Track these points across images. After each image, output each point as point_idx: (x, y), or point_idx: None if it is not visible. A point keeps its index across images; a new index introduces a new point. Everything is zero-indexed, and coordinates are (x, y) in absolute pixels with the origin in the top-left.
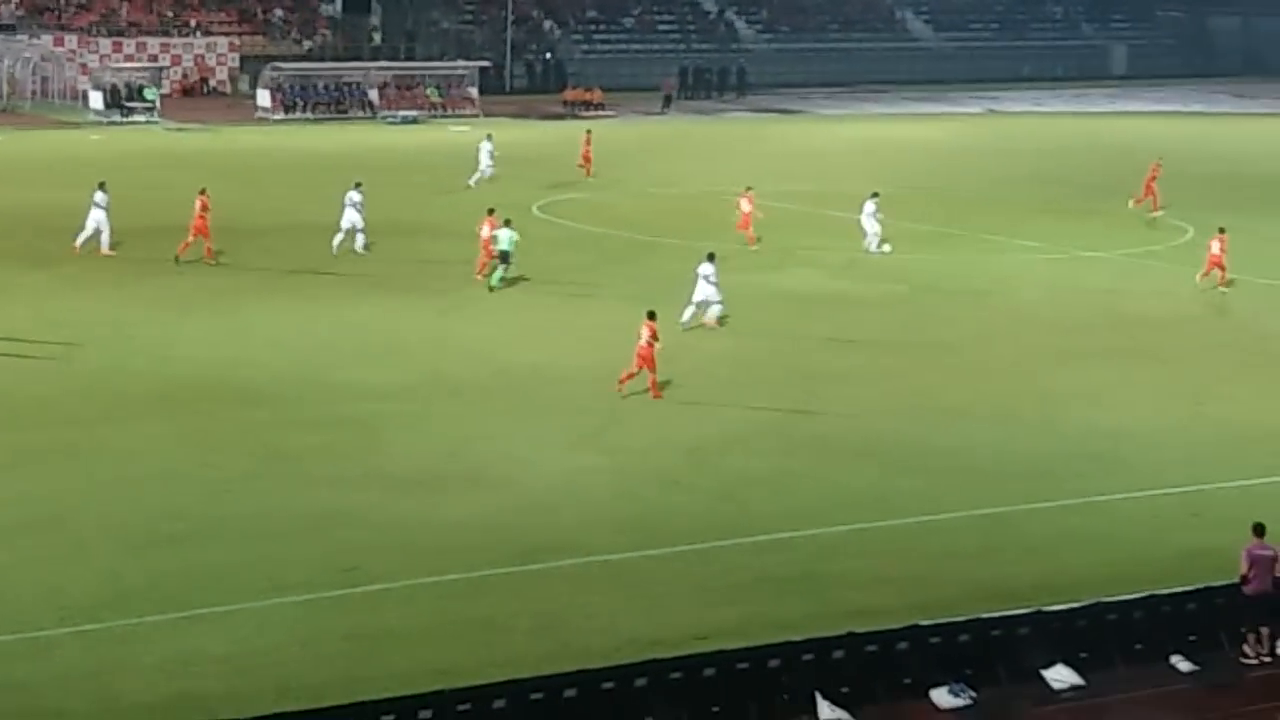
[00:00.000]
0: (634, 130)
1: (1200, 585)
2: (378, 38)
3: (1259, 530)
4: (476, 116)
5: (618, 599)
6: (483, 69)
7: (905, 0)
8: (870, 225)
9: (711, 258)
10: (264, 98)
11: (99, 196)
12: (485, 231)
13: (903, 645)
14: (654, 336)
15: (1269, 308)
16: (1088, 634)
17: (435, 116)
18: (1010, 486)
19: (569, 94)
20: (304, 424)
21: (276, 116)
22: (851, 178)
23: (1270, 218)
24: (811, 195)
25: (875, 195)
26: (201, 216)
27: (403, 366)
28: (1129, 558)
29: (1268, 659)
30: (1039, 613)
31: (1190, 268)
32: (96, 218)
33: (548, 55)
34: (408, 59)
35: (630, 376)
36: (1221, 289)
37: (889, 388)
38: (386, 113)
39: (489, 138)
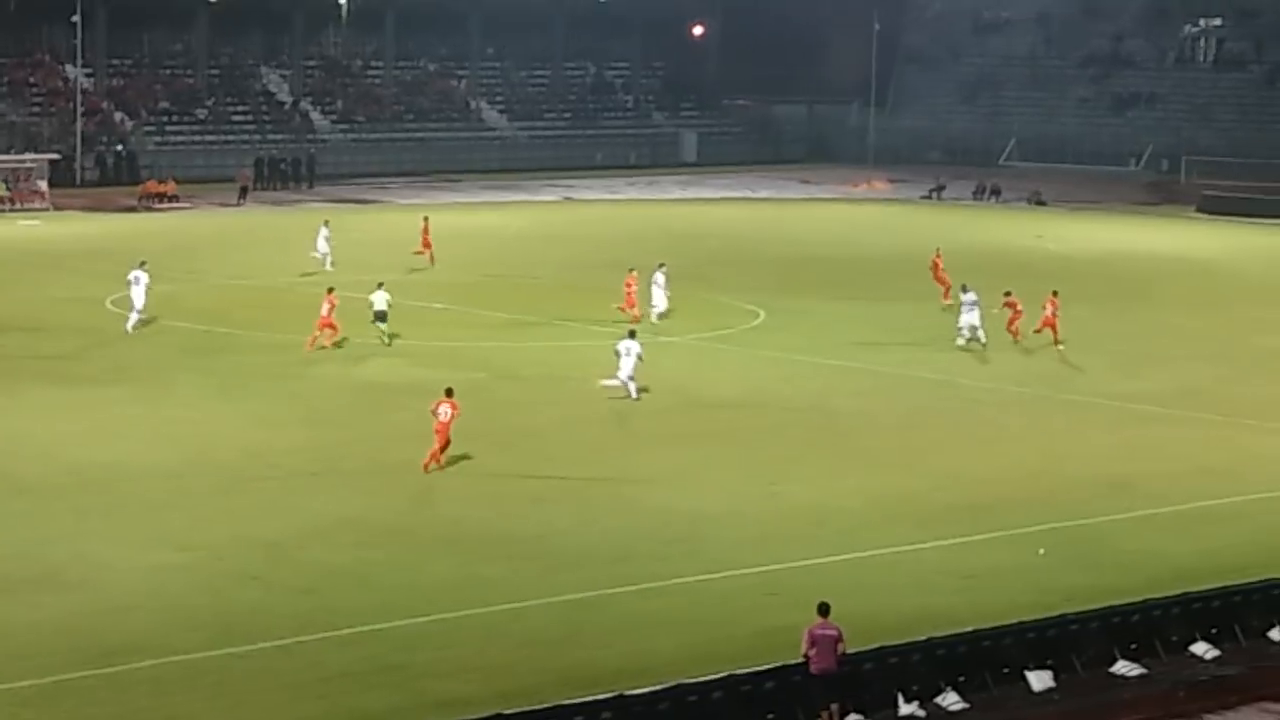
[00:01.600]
0: (210, 221)
1: (777, 664)
2: None
3: (823, 610)
4: (47, 210)
5: (199, 699)
6: (52, 161)
7: (479, 90)
8: (659, 297)
9: (632, 334)
10: None
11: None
12: (324, 309)
13: None
14: (455, 412)
15: (835, 388)
16: (670, 716)
17: (4, 210)
18: (592, 571)
19: (145, 186)
20: None
21: None
22: (429, 267)
23: (835, 299)
24: (392, 285)
25: (662, 265)
26: None
27: None
28: (709, 638)
29: None
30: (621, 697)
31: (761, 350)
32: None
33: (119, 147)
34: None
35: (435, 458)
36: (1059, 347)
37: (468, 475)
38: None
39: (326, 224)
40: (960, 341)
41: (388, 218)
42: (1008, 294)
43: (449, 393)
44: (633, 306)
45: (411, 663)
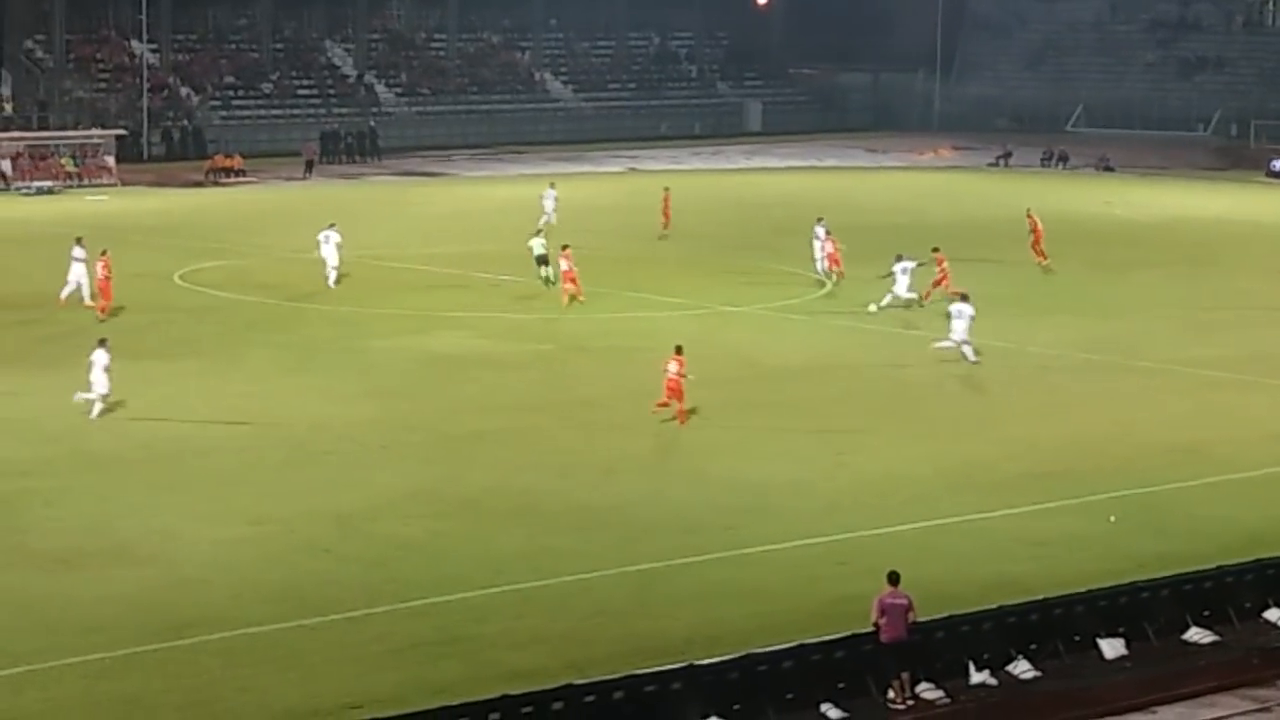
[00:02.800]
0: (276, 196)
1: (847, 633)
2: (9, 107)
3: (893, 579)
4: (114, 185)
5: (270, 671)
6: (119, 137)
7: (544, 62)
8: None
9: (964, 297)
10: None
11: (77, 251)
12: (564, 265)
13: (558, 705)
14: (682, 369)
15: (903, 356)
16: (739, 686)
17: (71, 186)
18: (660, 541)
19: (212, 161)
20: None
21: None
22: (496, 238)
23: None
24: (457, 256)
25: (820, 220)
26: None
27: (43, 441)
28: (778, 608)
29: (911, 702)
30: (691, 667)
31: (828, 319)
32: (77, 271)
33: (185, 123)
34: (41, 128)
35: (663, 405)
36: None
37: (538, 447)
38: (20, 184)
39: (552, 185)
40: (874, 308)
41: (455, 190)
42: (935, 250)
43: (678, 350)
44: (837, 265)
45: (481, 634)
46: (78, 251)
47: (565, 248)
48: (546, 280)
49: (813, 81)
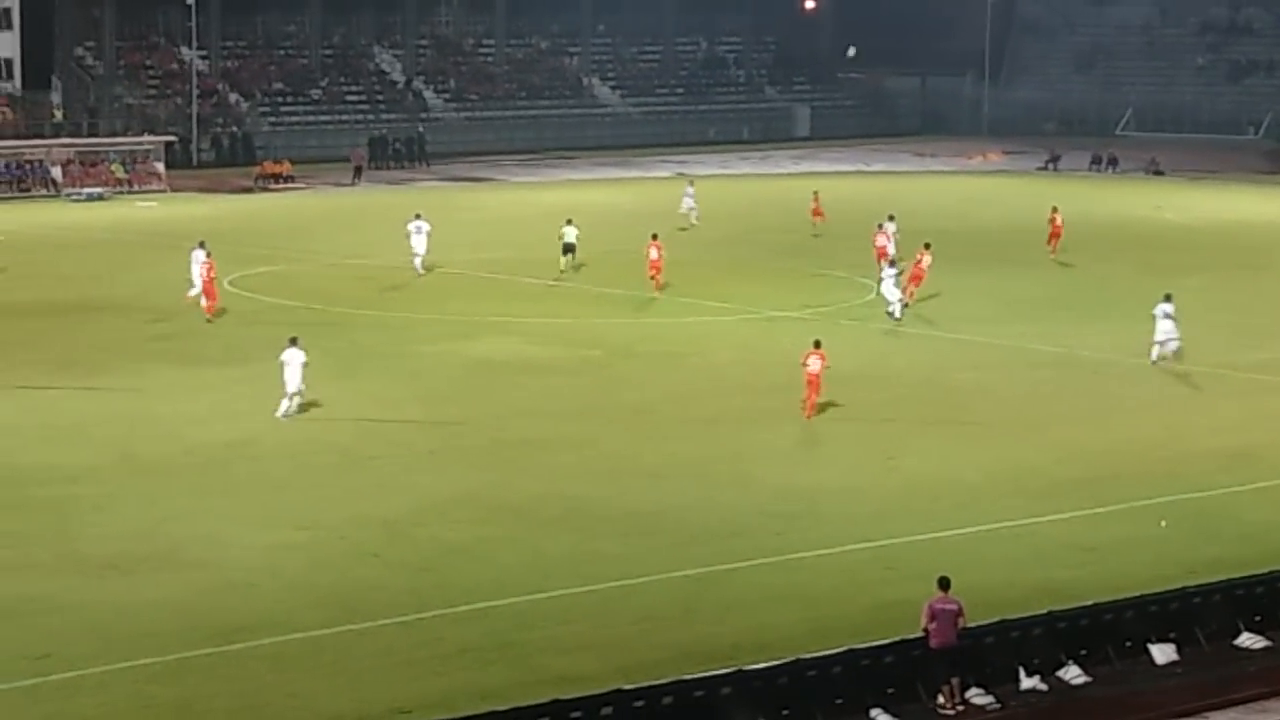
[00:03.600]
0: (325, 202)
1: (896, 638)
2: (59, 114)
3: (943, 584)
4: (164, 192)
5: (319, 676)
6: (168, 144)
7: (591, 67)
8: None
9: (1169, 298)
10: None
11: (199, 253)
12: (653, 254)
13: (606, 710)
14: (824, 364)
15: (951, 361)
16: (789, 691)
17: (121, 193)
18: (708, 546)
19: (261, 167)
20: None
21: None
22: (544, 244)
23: (950, 272)
24: (505, 262)
25: (891, 217)
26: None
27: (92, 447)
28: (827, 613)
29: (961, 708)
30: (740, 672)
31: (876, 324)
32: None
33: (234, 129)
34: (91, 135)
35: (808, 402)
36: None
37: (586, 452)
38: (71, 190)
39: (691, 184)
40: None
41: (503, 196)
42: (928, 246)
43: (817, 344)
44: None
45: (529, 639)
46: (199, 254)
47: (654, 237)
48: (563, 269)
49: (861, 85)
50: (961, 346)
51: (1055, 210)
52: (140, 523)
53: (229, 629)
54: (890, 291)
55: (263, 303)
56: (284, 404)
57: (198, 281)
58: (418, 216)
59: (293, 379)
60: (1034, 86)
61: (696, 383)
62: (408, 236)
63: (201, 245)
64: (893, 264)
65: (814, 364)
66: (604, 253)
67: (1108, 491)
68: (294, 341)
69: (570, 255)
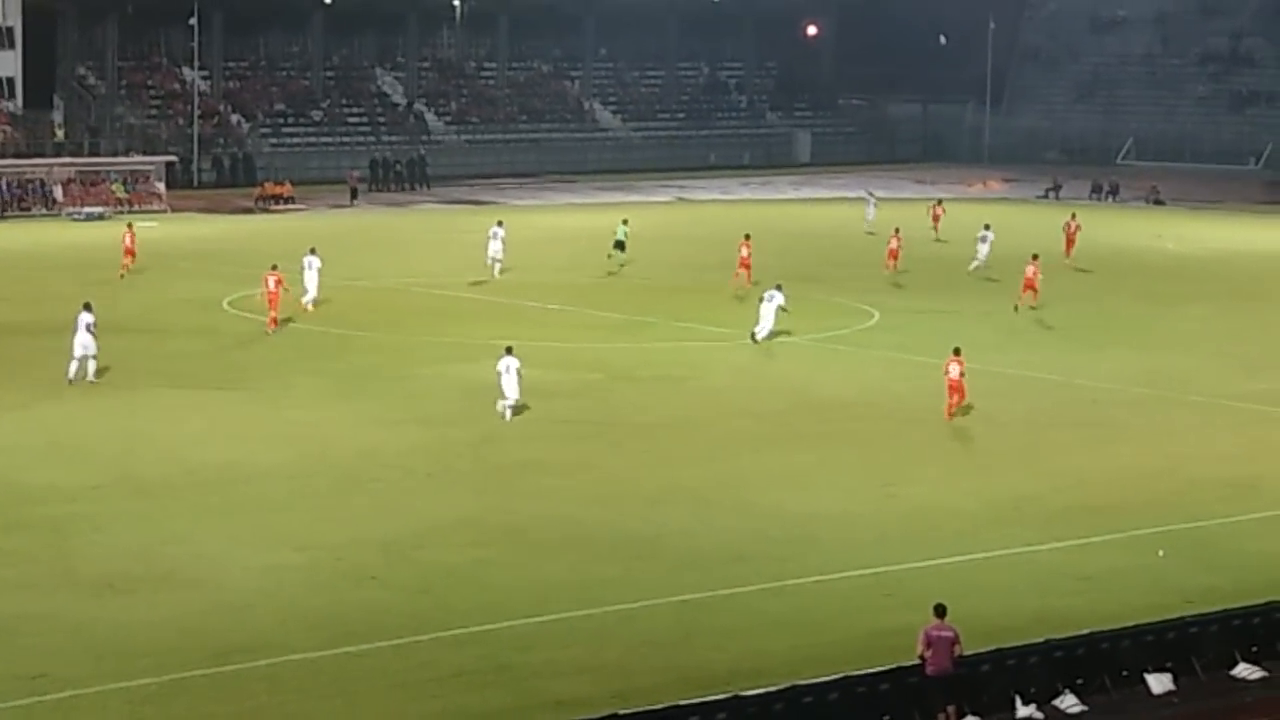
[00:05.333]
0: (324, 223)
1: (893, 665)
2: (61, 133)
3: (939, 611)
4: (164, 212)
5: (315, 697)
6: (169, 164)
7: (593, 91)
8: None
9: (779, 287)
10: None
11: (312, 259)
12: (744, 252)
13: None
14: (963, 369)
15: None
16: (784, 717)
17: (122, 212)
18: (707, 571)
19: (262, 188)
20: None
21: None
22: (544, 268)
23: (951, 299)
24: (505, 285)
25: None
26: None
27: (91, 467)
28: (824, 640)
29: None
30: (736, 698)
31: (876, 350)
32: (311, 280)
33: (235, 150)
34: (92, 154)
35: (953, 407)
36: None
37: (585, 476)
38: (71, 209)
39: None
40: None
41: (504, 219)
42: (1035, 256)
43: (956, 351)
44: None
45: (526, 662)
46: (312, 260)
47: (747, 237)
48: (612, 255)
49: (862, 112)
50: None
51: (1074, 216)
52: (138, 542)
53: (226, 650)
54: (766, 315)
55: (262, 323)
56: (503, 409)
57: (311, 288)
58: (312, 251)
59: (510, 387)
60: (1035, 115)
61: (696, 407)
62: (486, 244)
63: (313, 251)
64: (779, 288)
65: (954, 369)
66: (601, 278)
67: (1106, 520)
68: (509, 351)
69: (620, 250)
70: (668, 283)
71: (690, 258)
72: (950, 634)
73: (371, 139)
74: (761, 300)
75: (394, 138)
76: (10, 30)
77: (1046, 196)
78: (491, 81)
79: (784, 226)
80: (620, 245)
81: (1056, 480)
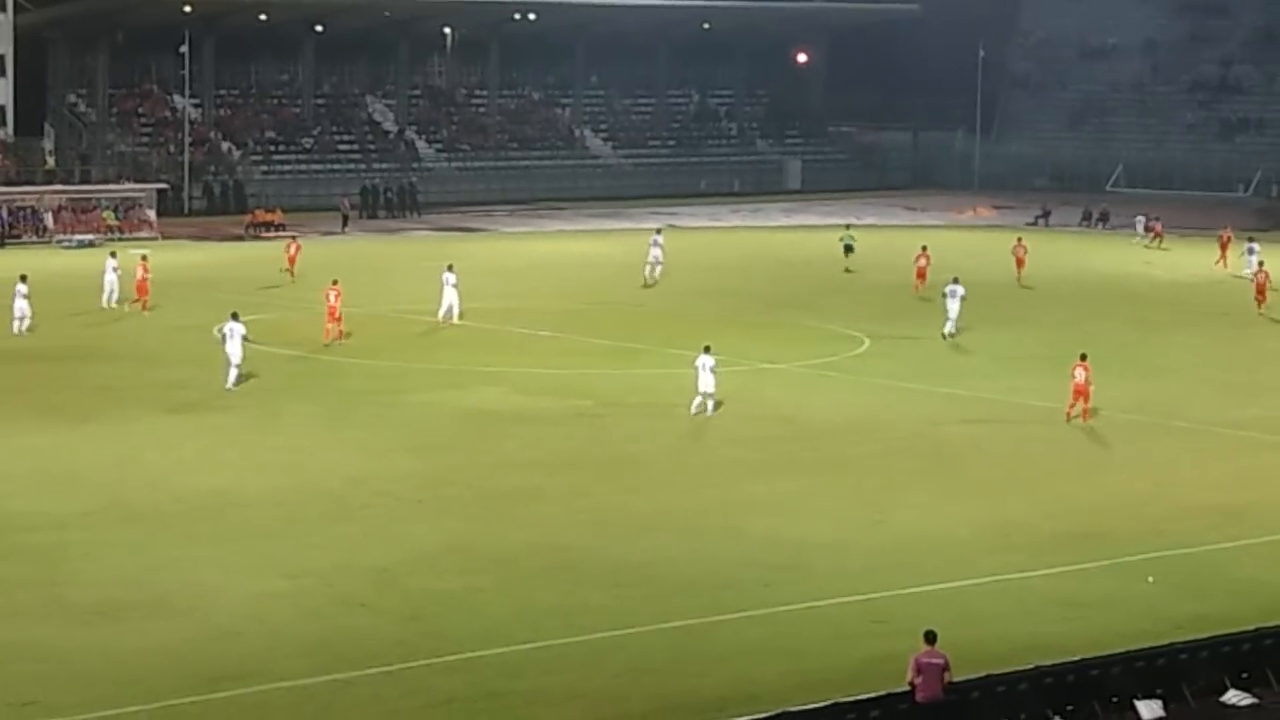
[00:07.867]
0: (315, 250)
1: (883, 693)
2: (51, 161)
3: (930, 638)
4: (155, 239)
5: None
6: (160, 191)
7: (584, 118)
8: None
9: (708, 350)
10: None
11: (449, 276)
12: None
13: None
14: (1089, 374)
15: (941, 415)
16: None
17: (113, 239)
18: (696, 598)
19: (252, 216)
20: None
21: None
22: (535, 294)
23: (941, 326)
24: (496, 312)
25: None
26: None
27: (81, 494)
28: (814, 666)
29: None
30: None
31: (866, 377)
32: (450, 295)
33: (226, 177)
34: (83, 182)
35: (1073, 408)
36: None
37: (575, 503)
38: (62, 236)
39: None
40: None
41: (495, 246)
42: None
43: (1083, 357)
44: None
45: (516, 689)
46: (449, 277)
47: (925, 248)
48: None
49: (852, 139)
50: (952, 401)
51: (1020, 240)
52: (128, 570)
53: (215, 677)
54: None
55: (253, 350)
56: (698, 406)
57: (452, 303)
58: (449, 269)
59: (706, 383)
60: (1025, 142)
61: (686, 434)
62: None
63: (450, 269)
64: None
65: (1079, 374)
66: (591, 305)
67: (1096, 547)
68: (707, 349)
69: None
70: (658, 309)
71: (681, 284)
72: (940, 661)
73: (362, 166)
74: (944, 295)
75: (385, 165)
76: (1, 58)
77: (1036, 223)
78: (482, 109)
79: (775, 253)
80: (849, 249)
81: (1046, 507)
